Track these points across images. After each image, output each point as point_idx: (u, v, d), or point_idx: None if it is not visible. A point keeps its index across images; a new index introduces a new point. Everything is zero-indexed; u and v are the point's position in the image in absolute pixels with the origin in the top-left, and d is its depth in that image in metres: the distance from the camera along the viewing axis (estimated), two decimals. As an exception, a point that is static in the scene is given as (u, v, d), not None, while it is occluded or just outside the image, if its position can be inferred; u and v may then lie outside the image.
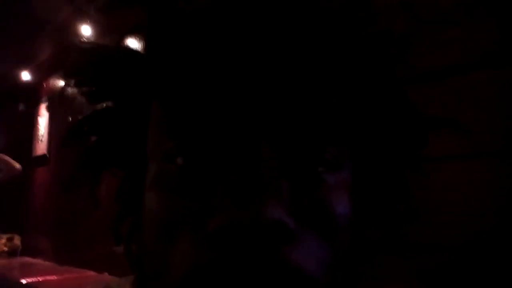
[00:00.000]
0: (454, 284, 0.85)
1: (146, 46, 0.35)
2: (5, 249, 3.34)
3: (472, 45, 0.87)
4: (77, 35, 2.48)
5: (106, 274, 2.15)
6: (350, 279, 0.34)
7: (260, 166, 0.28)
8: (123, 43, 0.38)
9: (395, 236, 0.40)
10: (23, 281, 2.22)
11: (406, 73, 0.40)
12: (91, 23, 2.54)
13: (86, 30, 2.62)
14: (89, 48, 0.39)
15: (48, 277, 2.32)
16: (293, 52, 0.31)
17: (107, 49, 0.38)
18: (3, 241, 3.38)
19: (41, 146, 3.44)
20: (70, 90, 0.39)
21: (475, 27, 0.87)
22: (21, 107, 3.98)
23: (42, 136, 3.45)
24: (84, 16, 2.56)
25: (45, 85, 3.53)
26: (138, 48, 0.37)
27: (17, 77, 3.67)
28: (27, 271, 2.66)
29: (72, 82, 0.39)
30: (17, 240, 3.41)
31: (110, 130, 0.39)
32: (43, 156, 3.35)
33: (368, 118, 0.37)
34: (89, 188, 0.40)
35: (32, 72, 3.65)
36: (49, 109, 3.33)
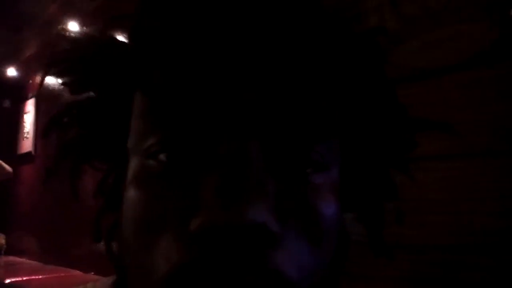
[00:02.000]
0: (445, 285, 0.85)
1: (132, 36, 0.34)
2: (-10, 248, 3.30)
3: (461, 45, 0.87)
4: (64, 29, 2.46)
5: (92, 274, 2.14)
6: (332, 281, 0.33)
7: (247, 165, 0.27)
8: (108, 32, 0.37)
9: (382, 237, 0.40)
10: (8, 281, 2.20)
11: (396, 73, 0.39)
12: (78, 16, 2.52)
13: (72, 25, 2.59)
14: (73, 37, 0.38)
15: (33, 277, 2.31)
16: (282, 49, 0.30)
17: (91, 38, 0.38)
18: (-12, 240, 3.34)
19: (27, 143, 3.40)
20: (53, 81, 0.38)
21: (465, 26, 0.87)
22: (6, 103, 3.93)
23: (28, 133, 3.41)
24: (71, 9, 2.53)
25: (31, 81, 3.49)
26: (123, 38, 0.36)
27: (2, 73, 3.63)
28: (12, 270, 2.64)
29: (55, 71, 0.38)
30: (1, 239, 3.37)
31: (91, 121, 0.38)
32: (29, 153, 3.32)
33: (356, 118, 0.36)
34: (70, 180, 0.39)
35: (18, 68, 3.61)
36: (36, 104, 3.29)
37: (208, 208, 0.26)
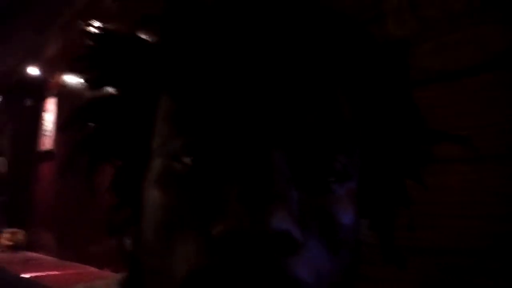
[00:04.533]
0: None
1: (160, 37, 0.35)
2: (9, 243, 3.37)
3: (480, 47, 0.86)
4: (88, 25, 2.48)
5: (107, 270, 2.16)
6: (347, 286, 0.33)
7: (271, 173, 0.27)
8: (137, 31, 0.37)
9: (393, 243, 0.40)
10: (26, 276, 2.24)
11: (413, 75, 0.39)
12: (101, 16, 2.55)
13: (96, 25, 2.63)
14: (99, 32, 0.38)
15: (51, 272, 2.34)
16: (307, 60, 0.31)
17: (118, 35, 0.38)
18: (7, 235, 3.41)
19: (47, 141, 3.46)
20: (75, 80, 0.38)
21: (483, 29, 0.86)
22: (28, 101, 4.00)
23: (49, 131, 3.47)
24: (93, 9, 2.56)
25: (52, 80, 3.55)
26: (152, 38, 0.36)
27: (24, 72, 3.70)
28: (30, 265, 2.68)
29: (77, 67, 0.38)
30: (21, 235, 3.44)
31: (111, 118, 0.38)
32: (49, 151, 3.37)
33: (378, 128, 0.36)
34: (86, 176, 0.39)
35: (40, 67, 3.67)
36: (57, 102, 3.33)
37: (232, 214, 0.26)
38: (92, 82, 0.38)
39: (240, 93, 0.29)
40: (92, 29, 0.38)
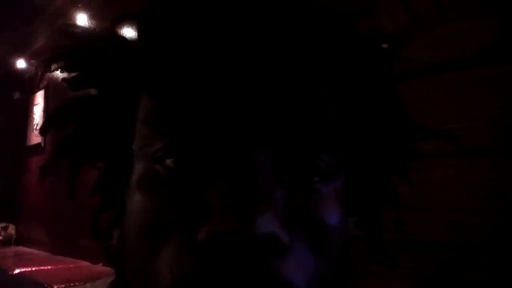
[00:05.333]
0: (448, 282, 0.85)
1: (141, 36, 0.33)
2: (0, 238, 3.35)
3: (472, 40, 0.86)
4: (72, 22, 2.46)
5: (100, 265, 2.16)
6: (336, 284, 0.33)
7: (255, 174, 0.27)
8: (116, 30, 0.37)
9: (381, 242, 0.40)
10: (17, 270, 2.23)
11: (405, 67, 0.39)
12: (87, 9, 2.52)
13: (81, 17, 2.60)
14: (77, 32, 0.38)
15: (42, 267, 2.33)
16: (291, 61, 0.30)
17: (96, 34, 0.37)
18: (-2, 230, 3.38)
19: (36, 135, 3.43)
20: (56, 74, 0.38)
21: (475, 23, 0.86)
22: (15, 95, 3.96)
23: (37, 125, 3.44)
24: (79, 2, 2.53)
25: (40, 73, 3.51)
26: (131, 37, 0.35)
27: (12, 65, 3.65)
28: (21, 260, 2.67)
29: (56, 66, 0.37)
30: (11, 229, 3.42)
31: (91, 120, 0.37)
32: (38, 145, 3.34)
33: (362, 127, 0.36)
34: (68, 179, 0.38)
35: (28, 60, 3.62)
36: (45, 96, 3.30)
37: (217, 217, 0.25)
38: (72, 82, 0.37)
39: (222, 92, 0.29)
40: (70, 28, 0.37)
